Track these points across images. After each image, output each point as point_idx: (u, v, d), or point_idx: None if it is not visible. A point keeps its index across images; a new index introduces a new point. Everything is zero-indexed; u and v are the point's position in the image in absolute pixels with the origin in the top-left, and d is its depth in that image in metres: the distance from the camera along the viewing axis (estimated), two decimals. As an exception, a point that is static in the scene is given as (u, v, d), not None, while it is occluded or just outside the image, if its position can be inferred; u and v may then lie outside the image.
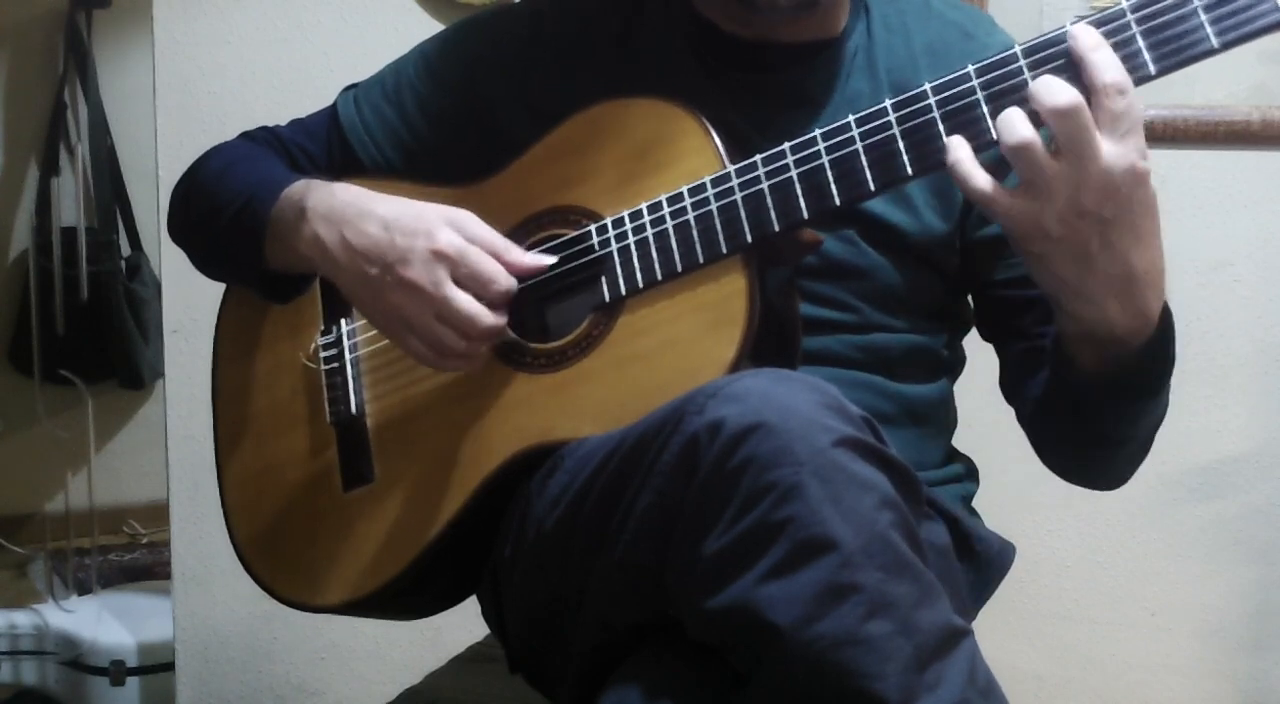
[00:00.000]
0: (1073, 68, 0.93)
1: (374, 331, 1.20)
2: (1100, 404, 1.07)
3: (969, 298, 1.26)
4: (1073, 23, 0.95)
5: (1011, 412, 1.22)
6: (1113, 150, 0.91)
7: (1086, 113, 0.90)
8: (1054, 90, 0.90)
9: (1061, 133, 0.91)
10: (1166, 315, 1.03)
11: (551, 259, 1.11)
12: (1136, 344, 1.01)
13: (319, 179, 1.19)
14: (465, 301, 1.07)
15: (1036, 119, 0.92)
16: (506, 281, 1.08)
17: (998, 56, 0.97)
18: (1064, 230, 0.93)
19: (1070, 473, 1.21)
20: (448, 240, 1.08)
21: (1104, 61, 0.91)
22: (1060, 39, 0.95)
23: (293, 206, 1.16)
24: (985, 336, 1.25)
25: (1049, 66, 0.95)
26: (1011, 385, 1.21)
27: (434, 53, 1.28)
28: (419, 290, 1.08)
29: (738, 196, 1.04)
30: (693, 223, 1.05)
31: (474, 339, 1.09)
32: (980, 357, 1.26)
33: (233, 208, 1.21)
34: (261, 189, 1.19)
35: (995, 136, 0.93)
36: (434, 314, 1.08)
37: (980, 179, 0.94)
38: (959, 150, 0.95)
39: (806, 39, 1.18)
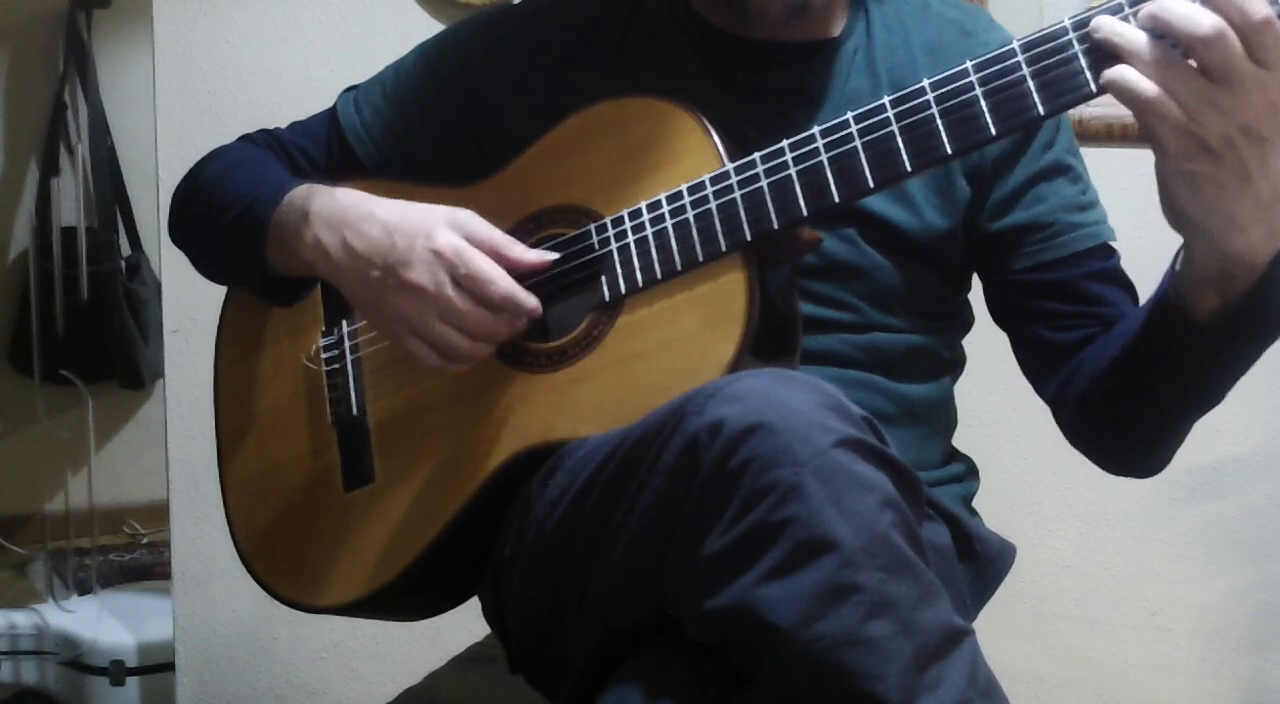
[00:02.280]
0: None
1: (375, 332, 1.20)
2: (1207, 355, 1.03)
3: (968, 299, 1.26)
4: (1072, 18, 0.94)
5: (1012, 411, 1.22)
6: (1270, 75, 0.87)
7: (1232, 37, 0.86)
8: (1196, 19, 0.87)
9: (1211, 60, 0.87)
10: None
11: (554, 255, 1.11)
12: (1263, 273, 0.97)
13: (320, 182, 1.19)
14: (467, 302, 1.07)
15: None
16: (506, 282, 1.08)
17: (996, 53, 0.97)
18: (1228, 148, 0.89)
19: (1120, 455, 1.18)
20: (447, 240, 1.08)
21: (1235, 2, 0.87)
22: (1059, 33, 0.94)
23: (295, 211, 1.16)
24: (1002, 325, 1.24)
25: (1045, 61, 0.94)
26: (1042, 374, 1.20)
27: (434, 53, 1.28)
28: (421, 292, 1.08)
29: (737, 195, 1.04)
30: (692, 221, 1.05)
31: (477, 340, 1.09)
32: (980, 357, 1.26)
33: (234, 212, 1.21)
34: (263, 193, 1.19)
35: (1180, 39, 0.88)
36: (436, 315, 1.08)
37: (1146, 88, 0.89)
38: (1118, 71, 0.90)
39: (805, 39, 1.18)
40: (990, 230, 1.19)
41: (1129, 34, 0.90)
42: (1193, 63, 0.88)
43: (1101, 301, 1.17)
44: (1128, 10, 0.92)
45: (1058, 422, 1.20)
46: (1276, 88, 0.88)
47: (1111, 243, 1.20)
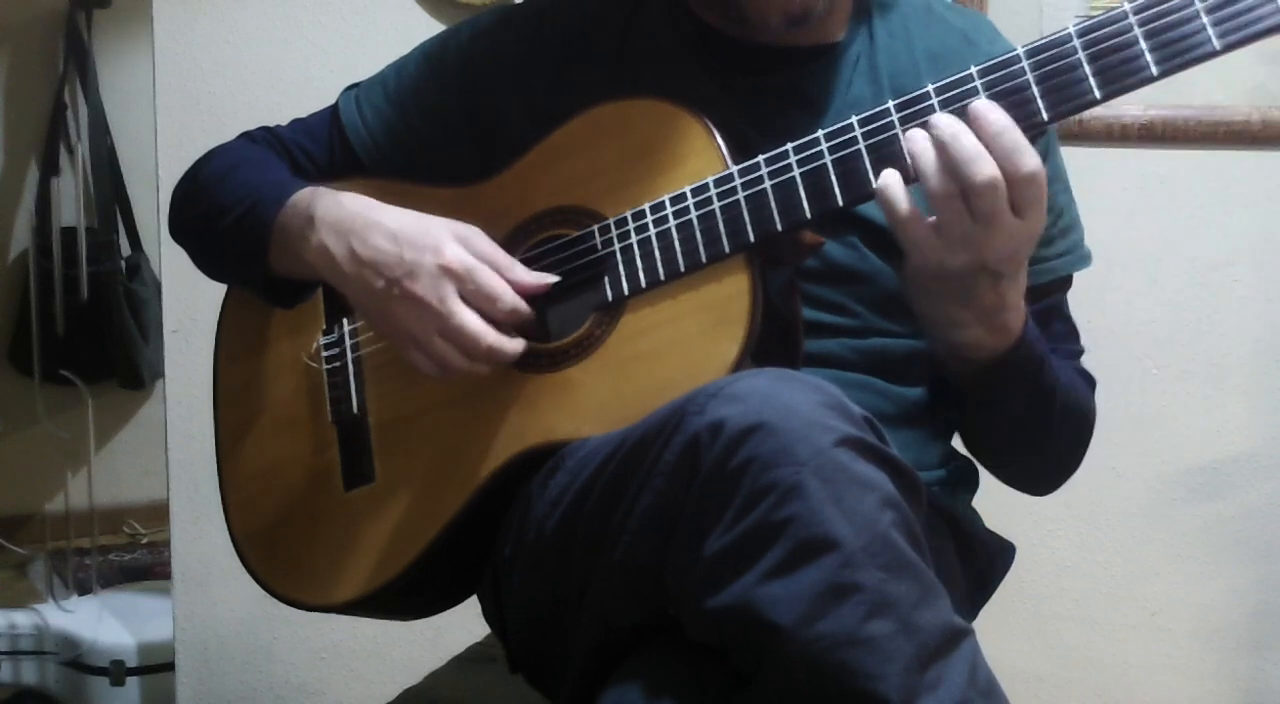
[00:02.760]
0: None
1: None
2: (979, 412, 1.16)
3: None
4: (1076, 24, 0.95)
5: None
6: (1019, 225, 0.97)
7: (1003, 191, 0.95)
8: (979, 165, 0.95)
9: (977, 205, 0.96)
10: (1026, 324, 1.08)
11: (554, 278, 1.11)
12: (1000, 352, 1.08)
13: (323, 185, 1.19)
14: (470, 319, 1.07)
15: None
16: (513, 300, 1.08)
17: (1001, 58, 0.97)
18: (961, 276, 1.00)
19: (997, 473, 1.27)
20: (455, 256, 1.08)
21: (1019, 151, 0.95)
22: (1063, 40, 0.96)
23: (299, 215, 1.16)
24: None
25: (1050, 68, 0.95)
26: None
27: (435, 53, 1.28)
28: (424, 305, 1.08)
29: (740, 196, 1.04)
30: (695, 222, 1.06)
31: (475, 359, 1.09)
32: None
33: (236, 212, 1.21)
34: (266, 194, 1.19)
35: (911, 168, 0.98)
36: (437, 330, 1.08)
37: (904, 207, 0.98)
38: (889, 177, 0.99)
39: (807, 44, 1.18)
40: None
41: (924, 154, 0.97)
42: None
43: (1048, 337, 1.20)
44: (982, 94, 0.97)
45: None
46: (1022, 235, 0.98)
47: (1073, 272, 1.24)
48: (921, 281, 1.03)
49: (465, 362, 1.09)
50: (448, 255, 1.08)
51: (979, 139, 0.95)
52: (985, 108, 0.96)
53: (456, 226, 1.11)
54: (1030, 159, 0.95)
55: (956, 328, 1.05)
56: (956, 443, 1.28)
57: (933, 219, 0.98)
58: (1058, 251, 1.20)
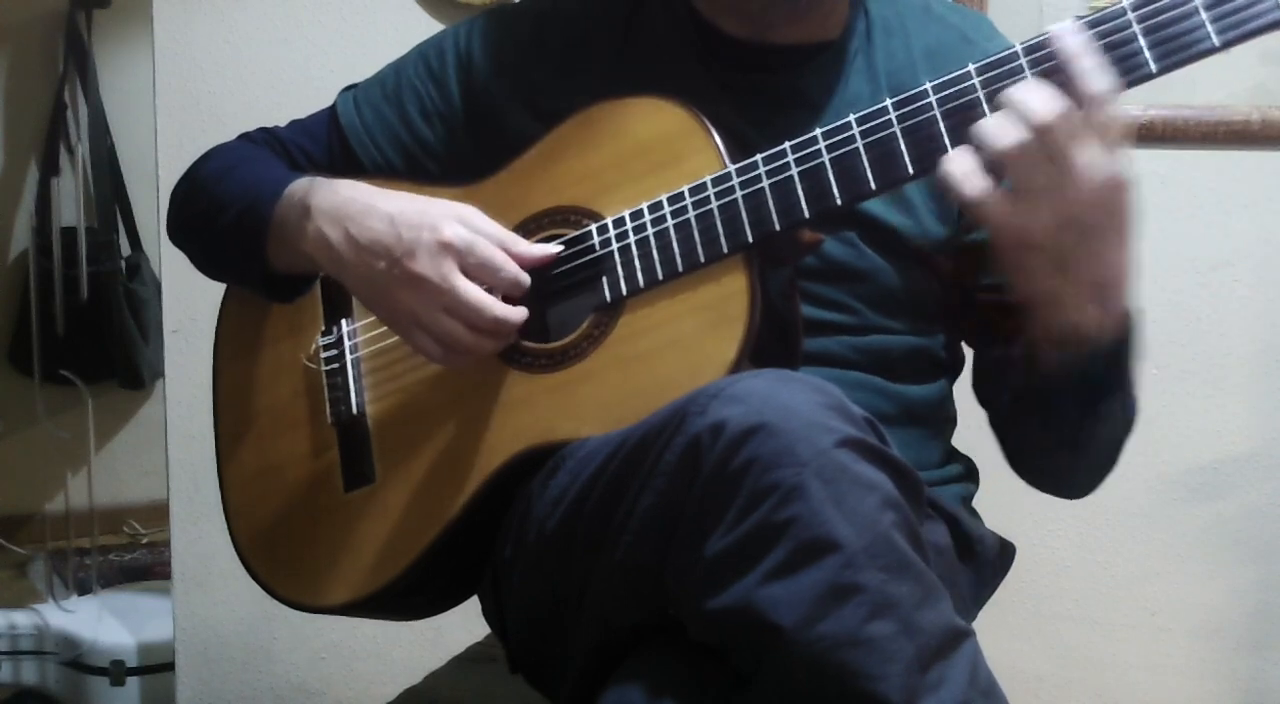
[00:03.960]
0: (1058, 73, 0.93)
1: (375, 332, 1.21)
2: (1066, 406, 1.07)
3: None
4: (1076, 22, 0.95)
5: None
6: (1099, 159, 0.92)
7: (1071, 122, 0.91)
8: (1035, 101, 0.91)
9: (1047, 143, 0.91)
10: (1131, 314, 1.03)
11: (558, 248, 1.11)
12: (1105, 342, 1.01)
13: (319, 176, 1.19)
14: (474, 292, 1.07)
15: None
16: (515, 270, 1.08)
17: (999, 55, 0.97)
18: (1048, 239, 0.94)
19: (1036, 479, 1.21)
20: (454, 232, 1.08)
21: (1087, 70, 0.91)
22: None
23: (296, 206, 1.16)
24: (967, 341, 1.25)
25: (1048, 65, 0.95)
26: (984, 389, 1.22)
27: (434, 53, 1.28)
28: (426, 283, 1.07)
29: (738, 196, 1.04)
30: (693, 222, 1.05)
31: (482, 332, 1.08)
32: (980, 358, 1.27)
33: (234, 210, 1.21)
34: (263, 190, 1.19)
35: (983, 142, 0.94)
36: (442, 307, 1.08)
37: (974, 183, 0.94)
38: (958, 160, 0.95)
39: (806, 41, 1.18)
40: (965, 241, 1.19)
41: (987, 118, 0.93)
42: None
43: None
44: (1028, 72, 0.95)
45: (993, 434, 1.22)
46: (1105, 173, 0.92)
47: None
48: (1014, 258, 0.98)
49: (472, 337, 1.08)
50: (446, 232, 1.07)
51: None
52: (1061, 34, 0.93)
53: (455, 206, 1.10)
54: (1098, 81, 0.92)
55: (1064, 307, 0.99)
56: (956, 442, 1.28)
57: (1006, 185, 0.94)
58: None
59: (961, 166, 0.95)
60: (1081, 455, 1.13)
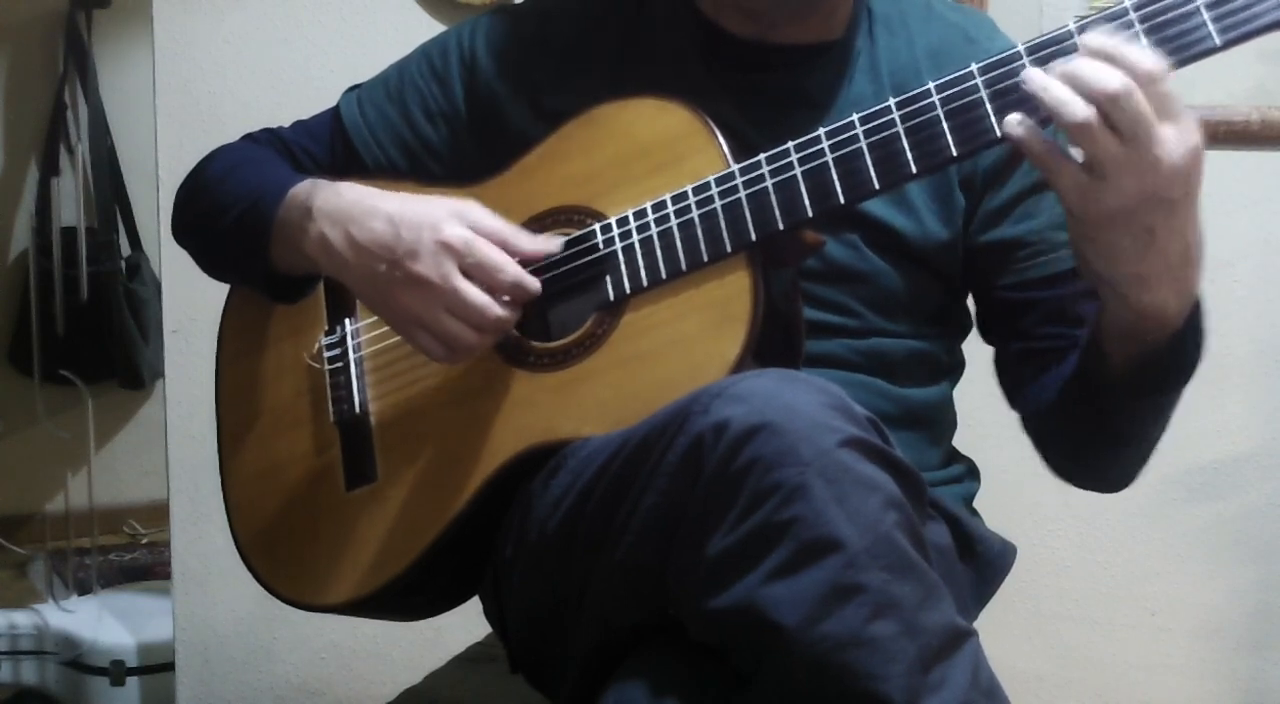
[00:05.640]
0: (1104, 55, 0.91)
1: (377, 331, 1.21)
2: (1125, 401, 1.06)
3: (966, 304, 1.26)
4: (1076, 23, 0.95)
5: (1011, 412, 1.22)
6: (1173, 132, 0.90)
7: (1140, 95, 0.89)
8: (1103, 75, 0.89)
9: (1120, 118, 0.89)
10: (1200, 300, 1.01)
11: (560, 241, 1.11)
12: (1177, 328, 0.99)
13: (324, 179, 1.19)
14: (474, 293, 1.07)
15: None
16: (514, 269, 1.08)
17: (1001, 56, 0.97)
18: (1130, 213, 0.92)
19: (1077, 474, 1.20)
20: (453, 232, 1.08)
21: (1134, 54, 0.90)
22: (1064, 38, 0.95)
23: (298, 207, 1.16)
24: (986, 338, 1.25)
25: (1052, 64, 0.95)
26: (1014, 387, 1.21)
27: (437, 53, 1.28)
28: (427, 284, 1.07)
29: (742, 195, 1.04)
30: (697, 221, 1.05)
31: (484, 331, 1.08)
32: (980, 358, 1.26)
33: (237, 210, 1.21)
34: (267, 191, 1.19)
35: (1043, 117, 0.92)
36: (443, 307, 1.08)
37: (1039, 143, 0.92)
38: (1014, 118, 0.93)
39: (809, 41, 1.18)
40: (978, 242, 1.18)
41: (1049, 87, 0.91)
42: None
43: (1083, 322, 1.14)
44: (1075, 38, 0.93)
45: (1026, 432, 1.20)
46: (1180, 144, 0.90)
47: None
48: (1094, 237, 0.95)
49: (475, 337, 1.08)
50: (446, 232, 1.07)
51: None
52: (1088, 38, 0.92)
53: (456, 204, 1.10)
54: (1149, 58, 0.90)
55: (1143, 287, 0.96)
56: (957, 443, 1.28)
57: (1081, 160, 0.92)
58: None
59: (1023, 125, 0.93)
60: (1131, 450, 1.13)
